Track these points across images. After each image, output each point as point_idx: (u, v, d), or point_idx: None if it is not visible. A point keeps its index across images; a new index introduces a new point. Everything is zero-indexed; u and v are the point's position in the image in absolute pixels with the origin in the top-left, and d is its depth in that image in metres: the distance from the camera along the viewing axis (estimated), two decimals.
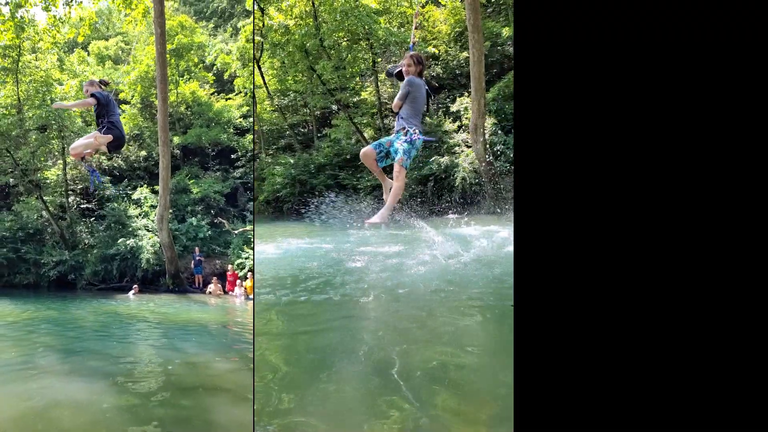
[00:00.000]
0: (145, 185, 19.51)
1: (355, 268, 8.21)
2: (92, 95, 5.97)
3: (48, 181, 19.87)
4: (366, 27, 16.27)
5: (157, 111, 16.15)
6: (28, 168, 19.21)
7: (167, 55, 15.91)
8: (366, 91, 19.10)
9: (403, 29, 17.66)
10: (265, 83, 18.21)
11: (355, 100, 18.06)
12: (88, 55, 23.36)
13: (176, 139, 20.08)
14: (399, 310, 6.15)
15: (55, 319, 11.77)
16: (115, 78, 20.72)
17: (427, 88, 5.06)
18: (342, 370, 4.55)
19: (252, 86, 18.75)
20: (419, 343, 5.05)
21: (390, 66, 5.95)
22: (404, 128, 4.93)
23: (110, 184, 19.91)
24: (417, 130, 4.88)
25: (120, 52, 24.44)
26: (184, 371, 6.27)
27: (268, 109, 19.47)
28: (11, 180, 19.76)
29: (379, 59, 17.82)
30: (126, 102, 20.66)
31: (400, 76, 5.13)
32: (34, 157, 19.23)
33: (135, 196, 19.13)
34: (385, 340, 5.27)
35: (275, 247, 11.82)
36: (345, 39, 17.24)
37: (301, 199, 18.07)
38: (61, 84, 18.49)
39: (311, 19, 16.69)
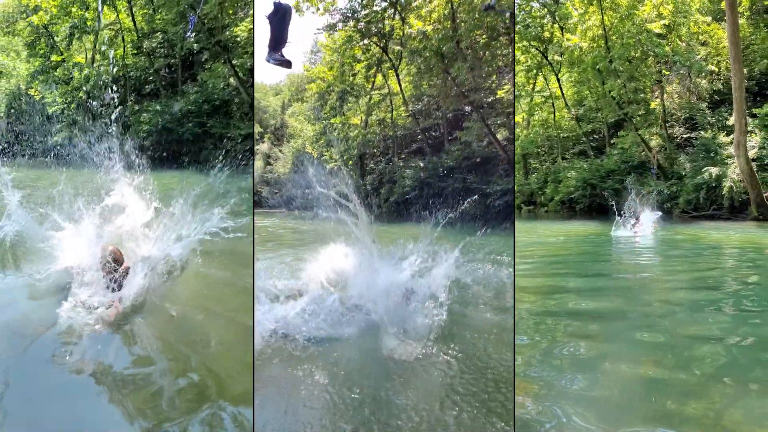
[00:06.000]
0: None
1: None
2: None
3: (238, 40, 17.21)
4: (506, 22, 16.98)
5: None
6: (215, 26, 16.58)
7: None
8: (503, 89, 19.94)
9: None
10: (401, 89, 19.19)
11: (489, 100, 18.97)
12: None
13: None
14: None
15: None
16: None
17: None
18: None
19: None
20: None
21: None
22: None
23: None
24: None
25: None
26: None
27: (403, 114, 20.36)
28: (195, 46, 17.44)
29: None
30: None
31: None
32: (222, 11, 16.47)
33: None
34: None
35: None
36: (484, 36, 17.70)
37: (427, 202, 18.55)
38: None
39: (449, 22, 17.71)
